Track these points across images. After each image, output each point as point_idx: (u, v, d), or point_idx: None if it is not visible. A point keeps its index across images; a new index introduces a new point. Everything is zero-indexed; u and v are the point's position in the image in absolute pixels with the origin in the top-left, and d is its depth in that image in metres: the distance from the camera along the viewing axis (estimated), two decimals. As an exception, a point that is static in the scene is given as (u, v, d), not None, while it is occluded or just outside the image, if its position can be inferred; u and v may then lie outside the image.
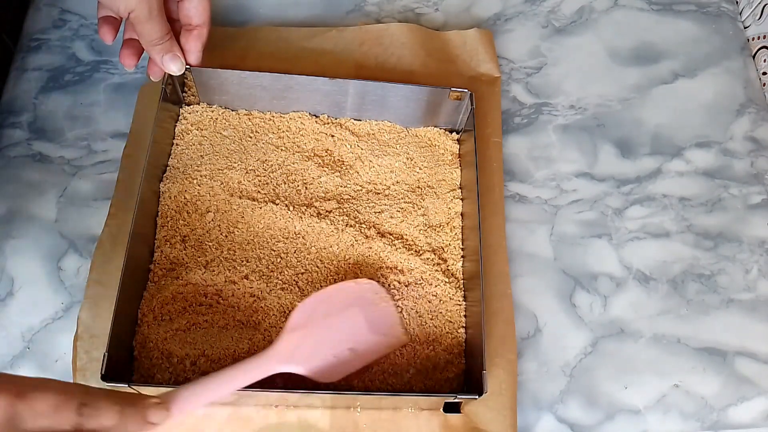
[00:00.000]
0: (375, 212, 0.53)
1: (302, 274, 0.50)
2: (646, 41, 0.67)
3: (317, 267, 0.50)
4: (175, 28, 0.50)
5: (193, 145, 0.54)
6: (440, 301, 0.50)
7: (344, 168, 0.55)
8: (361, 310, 0.47)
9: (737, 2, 0.70)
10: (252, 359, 0.42)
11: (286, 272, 0.50)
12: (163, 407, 0.35)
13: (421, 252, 0.52)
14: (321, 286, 0.49)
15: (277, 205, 0.52)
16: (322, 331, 0.44)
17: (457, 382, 0.48)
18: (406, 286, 0.50)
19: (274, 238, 0.51)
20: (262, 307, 0.48)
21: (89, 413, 0.29)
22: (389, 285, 0.50)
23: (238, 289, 0.49)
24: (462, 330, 0.49)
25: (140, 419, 0.33)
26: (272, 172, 0.54)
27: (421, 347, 0.48)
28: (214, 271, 0.49)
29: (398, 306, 0.49)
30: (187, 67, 0.51)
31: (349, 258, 0.51)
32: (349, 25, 0.63)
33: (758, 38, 0.66)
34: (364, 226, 0.52)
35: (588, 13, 0.68)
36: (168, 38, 0.48)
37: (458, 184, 0.55)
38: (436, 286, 0.51)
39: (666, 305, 0.54)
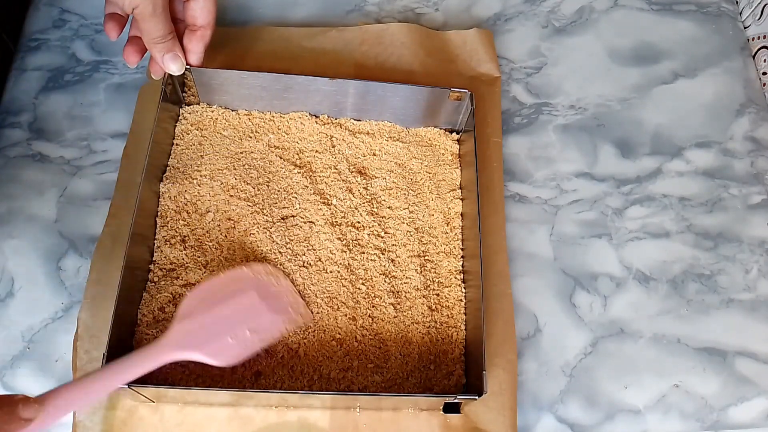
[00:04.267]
0: (374, 212, 0.53)
1: (302, 271, 0.50)
2: (646, 41, 0.67)
3: (316, 266, 0.50)
4: (179, 28, 0.50)
5: (193, 145, 0.54)
6: (440, 301, 0.50)
7: (344, 168, 0.55)
8: (257, 291, 0.46)
9: (737, 2, 0.70)
10: (141, 350, 0.41)
11: (285, 272, 0.50)
12: (34, 402, 0.35)
13: (420, 252, 0.52)
14: (320, 286, 0.49)
15: (277, 205, 0.52)
16: (215, 316, 0.44)
17: (457, 382, 0.48)
18: (405, 286, 0.50)
19: (274, 239, 0.51)
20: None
21: None
22: (389, 285, 0.50)
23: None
24: (462, 330, 0.49)
25: (13, 416, 0.34)
26: (272, 172, 0.54)
27: (421, 347, 0.49)
28: (213, 271, 0.49)
29: (299, 287, 0.49)
30: (187, 67, 0.51)
31: (348, 258, 0.51)
32: (349, 25, 0.63)
33: (758, 38, 0.66)
34: (364, 226, 0.52)
35: (588, 13, 0.68)
36: (170, 37, 0.48)
37: (458, 184, 0.55)
38: (436, 286, 0.51)
39: (666, 305, 0.54)
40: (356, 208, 0.53)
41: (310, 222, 0.52)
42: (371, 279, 0.50)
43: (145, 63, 0.51)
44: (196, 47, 0.50)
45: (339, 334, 0.48)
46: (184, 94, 0.55)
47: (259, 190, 0.53)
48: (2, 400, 0.34)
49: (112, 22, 0.48)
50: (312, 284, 0.49)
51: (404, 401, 0.46)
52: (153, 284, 0.48)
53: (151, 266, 0.49)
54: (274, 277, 0.48)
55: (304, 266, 0.50)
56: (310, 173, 0.54)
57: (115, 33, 0.48)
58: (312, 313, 0.48)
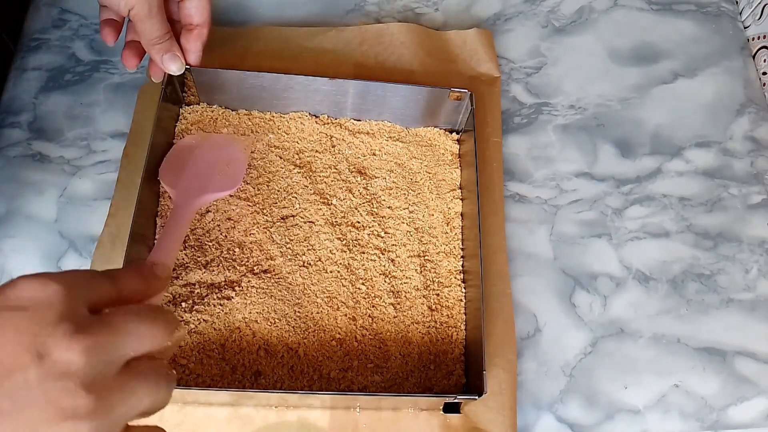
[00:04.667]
0: (374, 212, 0.53)
1: (302, 270, 0.50)
2: (646, 41, 0.67)
3: (316, 266, 0.50)
4: (175, 29, 0.50)
5: (193, 145, 0.54)
6: (440, 301, 0.50)
7: (344, 168, 0.55)
8: (206, 144, 0.53)
9: (737, 2, 0.70)
10: (171, 217, 0.46)
11: (285, 272, 0.50)
12: (159, 264, 0.37)
13: (420, 252, 0.52)
14: (320, 285, 0.49)
15: (277, 205, 0.52)
16: (193, 169, 0.51)
17: (457, 382, 0.48)
18: (405, 286, 0.50)
19: (274, 239, 0.51)
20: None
21: (119, 280, 0.31)
22: (389, 285, 0.50)
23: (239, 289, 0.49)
24: (462, 330, 0.49)
25: (154, 275, 0.35)
26: (272, 172, 0.54)
27: (421, 347, 0.49)
28: (213, 271, 0.49)
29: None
30: (187, 67, 0.51)
31: (348, 258, 0.51)
32: (349, 25, 0.63)
33: (758, 38, 0.66)
34: (364, 226, 0.52)
35: (588, 13, 0.68)
36: (168, 37, 0.48)
37: (458, 184, 0.55)
38: (436, 286, 0.51)
39: (666, 305, 0.54)
40: (356, 208, 0.53)
41: (310, 222, 0.52)
42: (371, 279, 0.50)
43: (145, 63, 0.51)
44: (194, 46, 0.50)
45: (339, 334, 0.48)
46: (184, 94, 0.55)
47: (259, 190, 0.53)
48: (141, 267, 0.35)
49: (108, 28, 0.48)
50: (312, 284, 0.50)
51: (404, 401, 0.46)
52: (153, 284, 0.48)
53: (151, 266, 0.49)
54: (205, 137, 0.54)
55: (304, 266, 0.50)
56: (310, 173, 0.54)
57: (111, 38, 0.48)
58: (309, 309, 0.48)
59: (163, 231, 0.45)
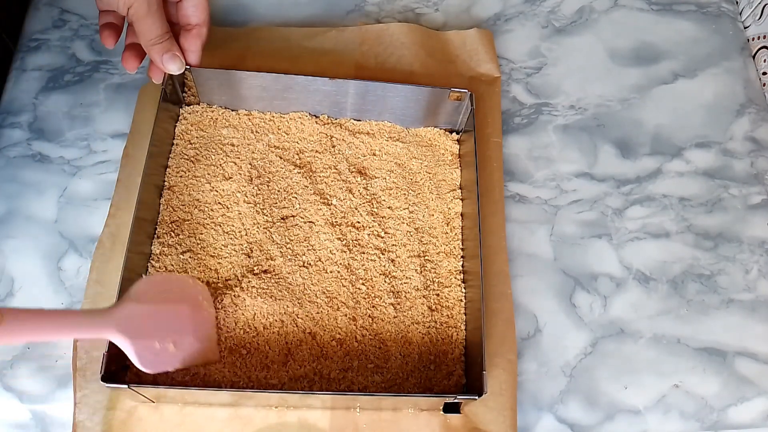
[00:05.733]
0: (374, 212, 0.53)
1: (302, 270, 0.50)
2: (646, 41, 0.67)
3: (316, 266, 0.50)
4: (174, 30, 0.50)
5: (193, 145, 0.54)
6: (440, 301, 0.50)
7: (344, 168, 0.55)
8: (191, 309, 0.45)
9: (737, 2, 0.70)
10: (89, 313, 0.40)
11: (285, 272, 0.50)
12: None
13: (420, 252, 0.52)
14: (320, 286, 0.49)
15: (277, 205, 0.52)
16: (157, 313, 0.43)
17: (457, 382, 0.48)
18: (405, 286, 0.50)
19: (274, 239, 0.51)
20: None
21: None
22: (389, 285, 0.50)
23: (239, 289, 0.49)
24: (462, 330, 0.49)
25: None
26: (272, 172, 0.54)
27: (421, 347, 0.49)
28: (213, 271, 0.49)
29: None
30: (187, 67, 0.51)
31: (348, 258, 0.51)
32: (349, 25, 0.63)
33: (758, 38, 0.66)
34: (364, 226, 0.52)
35: (588, 13, 0.68)
36: (167, 37, 0.48)
37: (458, 184, 0.55)
38: (436, 286, 0.51)
39: (666, 305, 0.54)
40: (356, 208, 0.53)
41: (310, 222, 0.52)
42: (371, 279, 0.50)
43: (145, 63, 0.51)
44: (193, 46, 0.50)
45: (339, 334, 0.48)
46: (184, 94, 0.55)
47: (259, 190, 0.53)
48: None
49: (107, 31, 0.48)
50: (312, 284, 0.49)
51: (404, 401, 0.46)
52: (153, 284, 0.48)
53: (151, 266, 0.49)
54: (207, 303, 0.47)
55: (304, 266, 0.50)
56: (310, 173, 0.54)
57: (111, 41, 0.48)
58: (309, 309, 0.48)
59: (59, 311, 0.41)
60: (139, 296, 0.42)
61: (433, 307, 0.50)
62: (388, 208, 0.53)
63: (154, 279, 0.46)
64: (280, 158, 0.54)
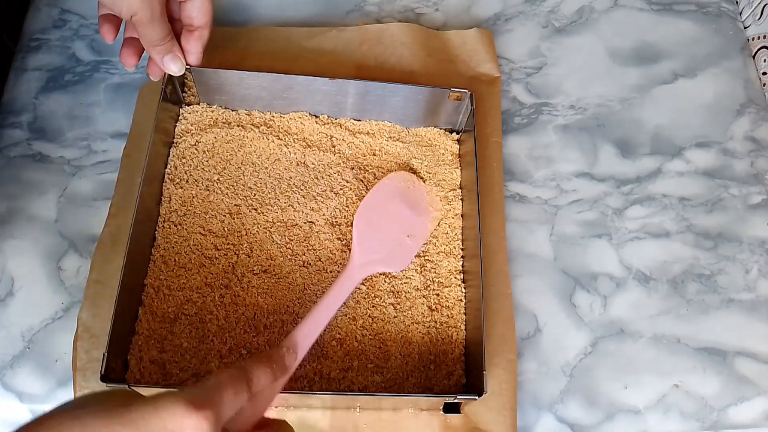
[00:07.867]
0: (375, 212, 0.53)
1: (302, 270, 0.50)
2: (646, 41, 0.67)
3: (316, 266, 0.50)
4: (176, 27, 0.49)
5: (193, 145, 0.54)
6: (440, 301, 0.50)
7: (344, 168, 0.55)
8: (402, 199, 0.52)
9: (737, 2, 0.70)
10: (338, 279, 0.47)
11: (285, 272, 0.50)
12: (292, 351, 0.41)
13: (420, 252, 0.52)
14: (320, 286, 0.49)
15: (277, 205, 0.52)
16: (382, 230, 0.50)
17: (457, 382, 0.48)
18: (405, 286, 0.50)
19: (274, 239, 0.51)
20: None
21: (255, 384, 0.34)
22: (389, 285, 0.50)
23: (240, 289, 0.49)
24: (462, 330, 0.49)
25: (284, 368, 0.39)
26: (272, 172, 0.54)
27: (421, 347, 0.49)
28: (213, 271, 0.49)
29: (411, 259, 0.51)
30: (187, 67, 0.51)
31: (348, 258, 0.51)
32: (349, 25, 0.63)
33: (758, 38, 0.66)
34: (364, 226, 0.52)
35: (588, 13, 0.68)
36: (169, 39, 0.48)
37: (458, 184, 0.55)
38: (436, 286, 0.51)
39: (666, 305, 0.54)
40: (354, 209, 0.53)
41: (310, 222, 0.52)
42: (371, 279, 0.50)
43: (145, 62, 0.51)
44: (194, 47, 0.50)
45: (339, 334, 0.48)
46: (184, 94, 0.55)
47: (259, 189, 0.53)
48: (272, 354, 0.38)
49: (107, 25, 0.48)
50: (312, 284, 0.50)
51: (404, 401, 0.46)
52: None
53: (151, 266, 0.49)
54: (411, 182, 0.53)
55: (304, 266, 0.50)
56: (310, 173, 0.54)
57: (110, 36, 0.48)
58: (309, 309, 0.48)
59: (318, 303, 0.45)
60: (361, 235, 0.50)
61: (433, 306, 0.50)
62: (388, 208, 0.53)
63: (360, 212, 0.51)
64: (280, 158, 0.54)
